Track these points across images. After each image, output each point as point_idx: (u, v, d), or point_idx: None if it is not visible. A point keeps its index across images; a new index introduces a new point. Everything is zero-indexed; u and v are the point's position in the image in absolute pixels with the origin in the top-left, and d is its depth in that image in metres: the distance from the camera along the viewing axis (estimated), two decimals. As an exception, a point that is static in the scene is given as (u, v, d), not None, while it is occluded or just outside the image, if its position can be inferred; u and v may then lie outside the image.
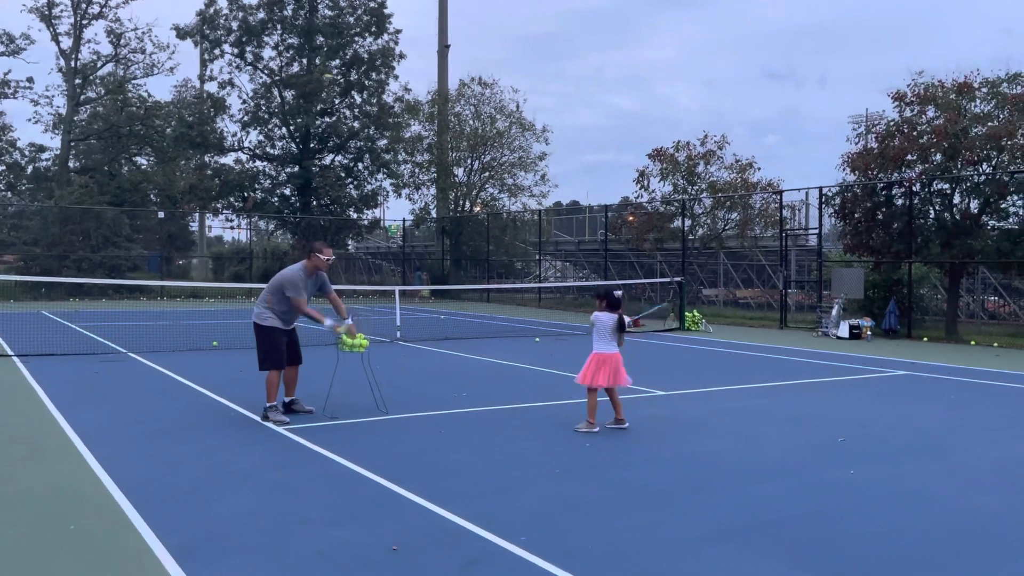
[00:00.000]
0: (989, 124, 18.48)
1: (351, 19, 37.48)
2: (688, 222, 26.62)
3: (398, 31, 37.91)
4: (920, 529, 5.04)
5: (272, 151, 38.42)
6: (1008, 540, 4.87)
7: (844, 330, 18.10)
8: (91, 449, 6.75)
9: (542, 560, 4.39)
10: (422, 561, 4.38)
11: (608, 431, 7.73)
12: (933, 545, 4.77)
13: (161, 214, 35.59)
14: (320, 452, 6.74)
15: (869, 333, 18.04)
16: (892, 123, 19.90)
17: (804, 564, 4.41)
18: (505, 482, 5.97)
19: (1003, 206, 18.83)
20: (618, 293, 7.87)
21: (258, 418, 8.03)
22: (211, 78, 37.45)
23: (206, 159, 38.87)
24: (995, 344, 17.30)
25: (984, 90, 19.13)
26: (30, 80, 35.64)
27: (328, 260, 8.22)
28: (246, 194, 37.85)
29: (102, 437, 7.22)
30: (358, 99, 38.14)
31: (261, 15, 36.59)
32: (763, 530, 4.96)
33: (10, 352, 13.21)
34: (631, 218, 29.10)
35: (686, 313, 20.19)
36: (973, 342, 17.67)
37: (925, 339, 18.32)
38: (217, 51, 36.78)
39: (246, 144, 38.26)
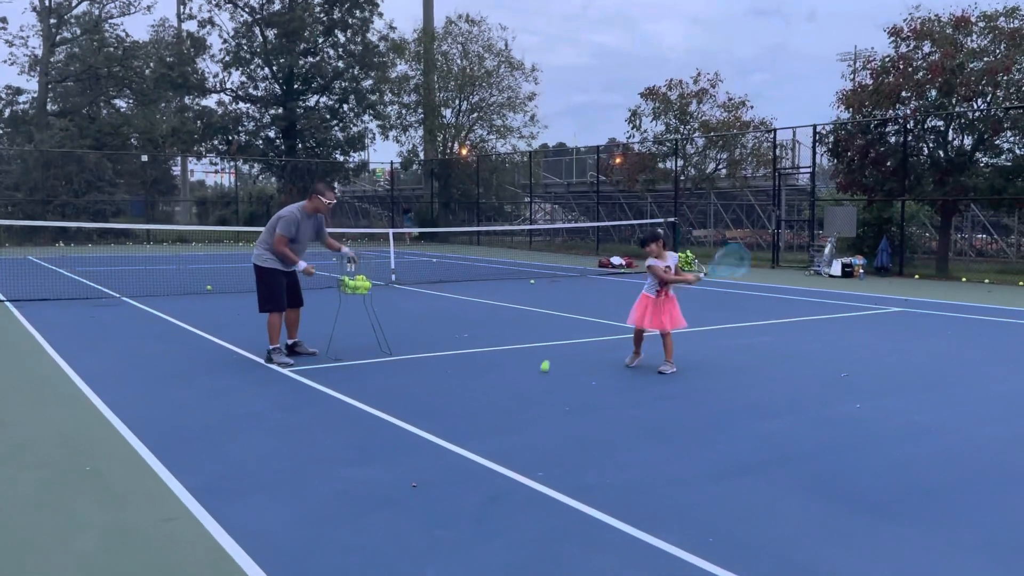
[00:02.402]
0: (985, 59, 18.32)
1: (333, -47, 36.42)
2: (680, 162, 26.45)
3: (381, -35, 36.90)
4: (931, 461, 5.11)
5: (255, 92, 37.67)
6: (1017, 470, 4.95)
7: (836, 268, 18.18)
8: (97, 393, 6.70)
9: (561, 495, 4.43)
10: (443, 498, 4.40)
11: (613, 371, 7.76)
12: (945, 475, 4.84)
13: (144, 158, 34.99)
14: (328, 393, 6.74)
15: (861, 271, 18.14)
16: (887, 59, 19.70)
17: (820, 496, 4.47)
18: (516, 421, 5.99)
19: (997, 143, 18.80)
20: (660, 232, 7.86)
21: (262, 360, 8.00)
22: (190, 17, 36.49)
23: (187, 101, 38.08)
24: (986, 280, 17.45)
25: (981, 24, 18.91)
26: (3, 20, 34.59)
27: (330, 204, 8.10)
28: (230, 137, 37.21)
29: (107, 381, 7.18)
30: (342, 38, 37.30)
31: (240, -50, 35.50)
32: (777, 464, 5.01)
33: (2, 297, 13.07)
34: (618, 159, 28.85)
35: (679, 254, 20.16)
36: (964, 279, 17.82)
37: (917, 276, 18.45)
38: (196, -12, 35.74)
39: (228, 85, 37.48)
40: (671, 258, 7.71)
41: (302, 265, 7.94)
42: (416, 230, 30.20)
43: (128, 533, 3.95)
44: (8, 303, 12.51)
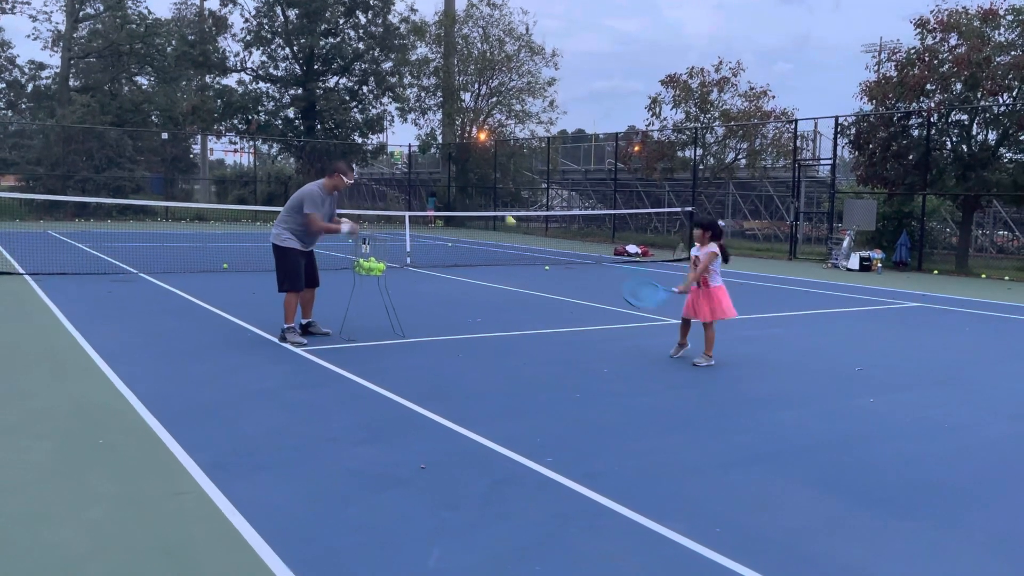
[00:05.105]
0: (1013, 53, 18.04)
1: (355, -66, 36.31)
2: (699, 151, 26.25)
3: (404, -52, 36.78)
4: (944, 456, 5.07)
5: (275, 72, 37.72)
6: (1031, 468, 4.90)
7: (854, 262, 18.03)
8: (112, 367, 6.76)
9: (570, 481, 4.43)
10: (451, 479, 4.41)
11: (625, 358, 7.74)
12: (957, 472, 4.80)
13: (165, 135, 35.14)
14: (340, 373, 6.76)
15: (879, 265, 17.98)
16: (912, 51, 19.43)
17: (830, 489, 4.44)
18: (527, 406, 5.99)
19: (1022, 138, 18.53)
20: (722, 223, 7.74)
21: (275, 339, 8.05)
22: (212, -5, 36.50)
23: (208, 80, 38.17)
24: (1006, 278, 17.26)
25: (1009, 18, 18.61)
26: (28, -6, 34.70)
27: (349, 183, 8.14)
28: (249, 117, 37.31)
29: (122, 355, 7.24)
30: (363, 19, 37.25)
31: (263, -71, 35.44)
32: (788, 455, 4.99)
33: (22, 271, 13.20)
34: (636, 147, 28.68)
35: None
36: (984, 275, 17.63)
37: (936, 272, 18.27)
38: (218, -34, 35.75)
39: (249, 65, 37.56)
40: (702, 251, 7.57)
41: (346, 227, 7.97)
42: (440, 214, 30.19)
43: (139, 505, 3.99)
44: (27, 276, 12.64)
